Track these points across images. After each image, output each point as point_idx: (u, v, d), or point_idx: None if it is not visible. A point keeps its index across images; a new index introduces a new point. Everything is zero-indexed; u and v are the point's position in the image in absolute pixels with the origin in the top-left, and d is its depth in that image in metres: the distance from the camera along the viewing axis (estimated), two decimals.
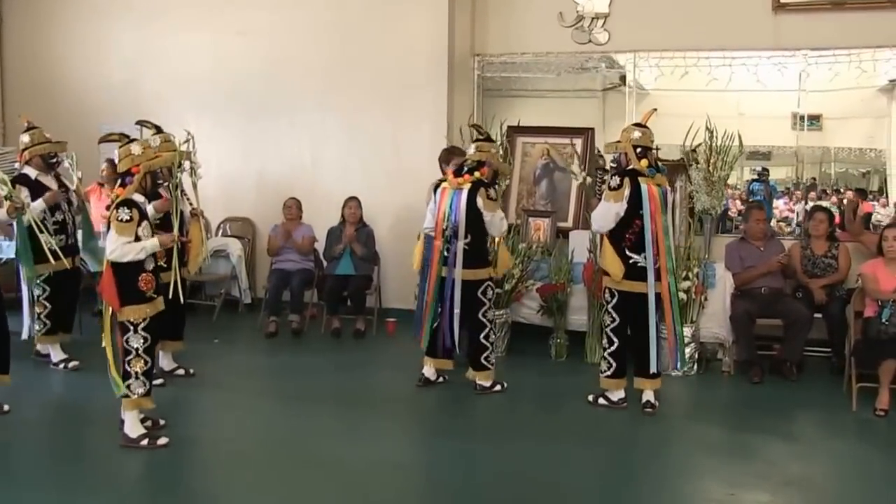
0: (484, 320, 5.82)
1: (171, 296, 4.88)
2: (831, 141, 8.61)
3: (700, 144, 6.86)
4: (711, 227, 7.03)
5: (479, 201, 5.71)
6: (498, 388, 5.90)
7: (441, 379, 6.05)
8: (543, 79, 8.26)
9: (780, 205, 8.73)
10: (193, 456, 4.81)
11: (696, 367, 6.44)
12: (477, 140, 5.92)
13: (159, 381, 5.71)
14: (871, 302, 5.66)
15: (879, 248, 5.79)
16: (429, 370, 6.02)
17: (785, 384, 6.23)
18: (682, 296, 6.11)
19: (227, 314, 8.27)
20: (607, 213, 5.37)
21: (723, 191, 6.94)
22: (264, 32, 8.48)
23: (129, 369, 4.68)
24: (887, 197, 8.11)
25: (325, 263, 7.90)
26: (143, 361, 4.68)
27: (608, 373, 5.52)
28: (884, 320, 5.31)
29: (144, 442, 4.71)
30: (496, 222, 5.80)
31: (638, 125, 5.45)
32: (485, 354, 5.84)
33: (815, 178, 8.55)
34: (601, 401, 5.59)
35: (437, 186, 6.02)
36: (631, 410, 5.51)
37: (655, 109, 5.53)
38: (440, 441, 5.10)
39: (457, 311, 5.73)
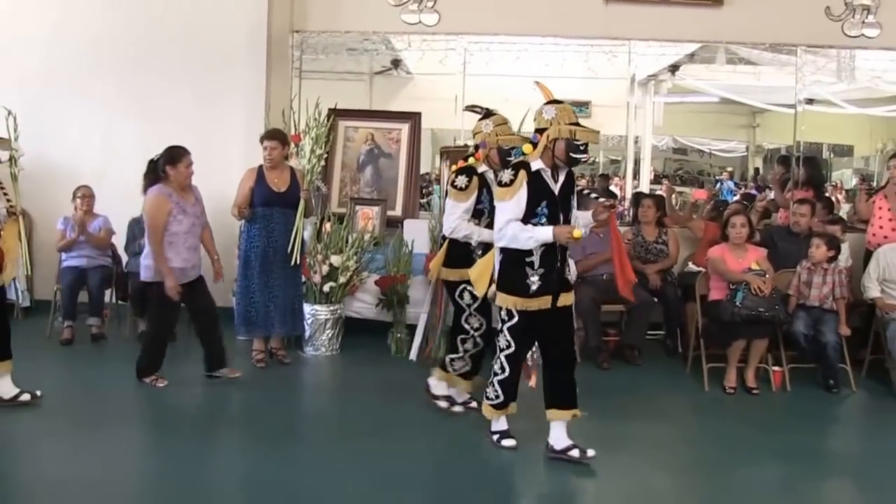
0: (467, 326, 5.07)
1: None
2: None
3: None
4: None
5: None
6: (457, 409, 5.21)
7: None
8: (317, 59, 7.75)
9: None
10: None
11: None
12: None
13: None
14: (717, 285, 5.82)
15: (724, 235, 5.95)
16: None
17: (630, 369, 6.31)
18: None
19: None
20: None
21: None
22: None
23: None
24: (638, 177, 8.62)
25: (124, 259, 7.03)
26: None
27: None
28: (738, 303, 5.45)
29: None
30: (445, 213, 5.00)
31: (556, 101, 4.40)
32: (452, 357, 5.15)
33: None
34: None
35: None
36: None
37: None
38: (280, 451, 4.51)
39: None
